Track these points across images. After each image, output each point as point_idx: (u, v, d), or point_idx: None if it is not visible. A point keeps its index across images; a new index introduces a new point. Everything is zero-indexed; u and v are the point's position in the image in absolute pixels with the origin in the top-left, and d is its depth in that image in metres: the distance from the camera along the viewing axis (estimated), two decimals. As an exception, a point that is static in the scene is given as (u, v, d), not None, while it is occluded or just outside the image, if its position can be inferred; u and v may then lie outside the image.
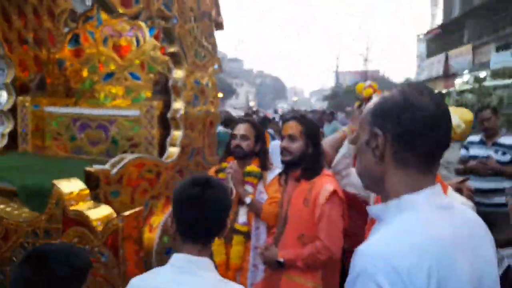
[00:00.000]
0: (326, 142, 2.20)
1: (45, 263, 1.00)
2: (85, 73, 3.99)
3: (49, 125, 3.60)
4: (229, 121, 6.77)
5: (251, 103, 50.41)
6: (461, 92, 17.87)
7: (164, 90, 3.29)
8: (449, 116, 0.81)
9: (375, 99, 0.87)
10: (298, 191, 1.92)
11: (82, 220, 1.57)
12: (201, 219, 1.14)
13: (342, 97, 39.31)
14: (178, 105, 3.15)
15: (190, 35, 3.27)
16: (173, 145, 3.15)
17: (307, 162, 1.89)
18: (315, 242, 1.79)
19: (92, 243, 1.58)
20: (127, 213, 1.60)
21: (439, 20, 27.72)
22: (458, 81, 17.19)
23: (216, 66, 3.85)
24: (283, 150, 1.93)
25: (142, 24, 3.84)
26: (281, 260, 1.83)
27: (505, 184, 3.03)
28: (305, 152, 1.90)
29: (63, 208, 1.58)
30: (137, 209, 1.59)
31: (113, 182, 2.30)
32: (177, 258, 1.14)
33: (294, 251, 1.83)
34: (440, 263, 0.70)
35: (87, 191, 1.72)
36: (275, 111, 23.67)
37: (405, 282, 0.68)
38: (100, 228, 1.57)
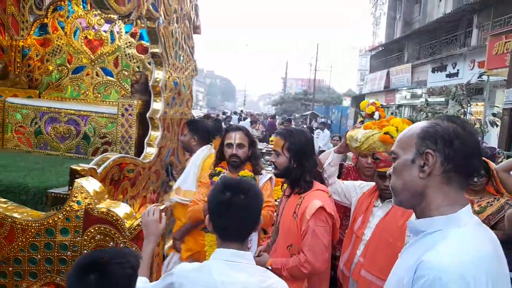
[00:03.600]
0: (324, 155, 2.35)
1: (107, 268, 1.01)
2: (52, 65, 3.80)
3: (11, 117, 3.38)
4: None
5: (200, 103, 49.74)
6: (400, 106, 19.45)
7: (143, 89, 3.26)
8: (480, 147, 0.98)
9: (420, 124, 1.01)
10: (290, 203, 1.98)
11: (108, 218, 1.56)
12: (233, 226, 1.22)
13: (289, 103, 40.59)
14: (158, 105, 3.15)
15: (172, 37, 3.29)
16: (150, 145, 3.13)
17: (292, 176, 1.95)
18: (299, 254, 1.86)
19: (118, 240, 1.57)
20: (160, 207, 1.63)
21: (380, 38, 29.80)
22: (398, 96, 18.65)
23: (193, 69, 3.89)
24: (273, 164, 2.03)
25: (119, 20, 3.76)
26: (269, 267, 1.87)
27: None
28: (289, 166, 1.94)
29: (86, 206, 1.56)
30: (162, 206, 1.61)
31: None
32: (224, 253, 1.22)
33: (281, 260, 1.90)
34: (492, 272, 0.87)
35: (104, 190, 1.71)
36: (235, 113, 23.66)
37: None
38: (127, 225, 1.58)
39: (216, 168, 2.38)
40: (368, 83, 23.62)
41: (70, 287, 1.01)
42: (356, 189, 2.20)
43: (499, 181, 2.47)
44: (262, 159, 10.15)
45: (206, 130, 3.06)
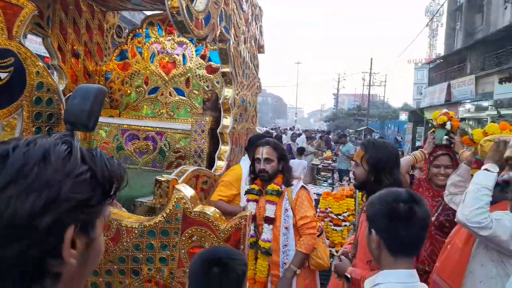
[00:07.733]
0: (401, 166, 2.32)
1: (228, 264, 1.11)
2: (130, 87, 4.17)
3: (96, 134, 3.74)
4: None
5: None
6: (463, 119, 18.29)
7: (214, 106, 3.47)
8: None
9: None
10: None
11: (203, 220, 1.72)
12: (415, 236, 1.18)
13: (342, 119, 39.94)
14: (227, 121, 3.33)
15: (240, 56, 3.47)
16: (221, 159, 3.30)
17: (369, 190, 1.88)
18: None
19: (213, 240, 1.71)
20: (246, 214, 1.75)
21: (438, 50, 28.53)
22: (460, 109, 17.59)
23: (257, 87, 4.06)
24: (353, 174, 2.03)
25: (190, 43, 4.06)
26: (348, 275, 1.85)
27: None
28: (367, 179, 1.89)
29: (185, 210, 1.71)
30: (247, 212, 1.72)
31: (178, 191, 2.46)
32: (399, 275, 1.16)
33: (361, 272, 1.83)
34: None
35: (197, 196, 1.86)
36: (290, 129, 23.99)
37: None
38: (221, 226, 1.71)
39: (251, 186, 2.45)
40: (427, 96, 22.58)
41: (195, 278, 1.12)
42: None
43: None
44: (318, 175, 10.11)
45: None
